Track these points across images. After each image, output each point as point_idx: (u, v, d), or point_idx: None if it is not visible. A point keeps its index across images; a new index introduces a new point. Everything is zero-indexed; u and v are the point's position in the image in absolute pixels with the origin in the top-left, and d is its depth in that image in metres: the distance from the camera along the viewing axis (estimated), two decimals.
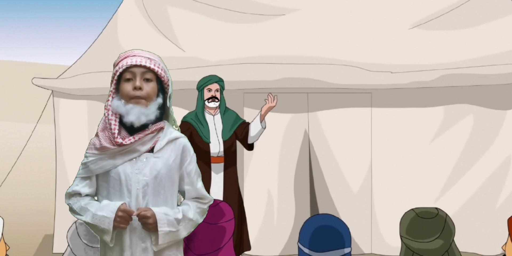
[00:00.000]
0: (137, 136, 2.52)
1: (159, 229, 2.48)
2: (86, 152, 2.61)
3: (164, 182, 2.56)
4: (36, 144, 7.22)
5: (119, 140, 2.50)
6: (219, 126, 4.73)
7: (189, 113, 4.80)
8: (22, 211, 7.45)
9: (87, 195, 2.62)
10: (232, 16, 6.04)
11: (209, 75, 4.79)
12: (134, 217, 2.51)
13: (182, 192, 2.67)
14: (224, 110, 4.78)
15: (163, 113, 2.63)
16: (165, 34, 6.01)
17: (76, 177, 2.64)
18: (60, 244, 5.49)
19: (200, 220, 2.65)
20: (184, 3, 6.20)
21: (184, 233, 2.58)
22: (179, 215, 2.54)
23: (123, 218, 2.46)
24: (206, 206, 2.67)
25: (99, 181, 2.61)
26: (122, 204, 2.49)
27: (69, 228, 3.16)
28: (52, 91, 5.75)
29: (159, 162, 2.56)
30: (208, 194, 2.69)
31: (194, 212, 2.60)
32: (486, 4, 5.88)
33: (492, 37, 5.62)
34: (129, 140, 2.51)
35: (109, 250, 2.58)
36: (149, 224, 2.48)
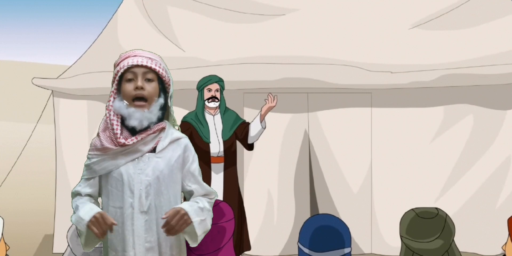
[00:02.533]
0: (139, 136, 2.52)
1: (192, 220, 2.47)
2: (88, 153, 2.60)
3: (166, 182, 2.57)
4: (36, 144, 7.23)
5: (122, 140, 2.50)
6: (219, 126, 4.73)
7: (189, 113, 4.80)
8: (22, 211, 7.45)
9: (87, 195, 2.62)
10: (232, 16, 6.04)
11: (209, 75, 4.79)
12: (137, 216, 2.50)
13: (187, 192, 2.67)
14: (224, 110, 4.78)
15: (164, 113, 2.63)
16: (165, 34, 6.01)
17: (81, 178, 2.64)
18: (60, 244, 5.49)
19: (212, 214, 2.66)
20: (184, 3, 6.21)
21: (209, 223, 2.58)
22: (200, 204, 2.56)
23: (96, 220, 2.41)
24: (213, 201, 2.71)
25: (102, 182, 2.60)
26: (98, 211, 2.45)
27: (69, 228, 3.16)
28: (52, 91, 5.75)
29: (161, 162, 2.56)
30: (212, 189, 2.73)
31: (208, 204, 2.62)
32: (486, 4, 5.89)
33: (492, 37, 5.63)
34: (131, 140, 2.51)
35: (111, 250, 2.58)
36: (187, 220, 2.45)
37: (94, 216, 2.42)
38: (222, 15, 6.06)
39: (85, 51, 6.10)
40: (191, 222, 2.47)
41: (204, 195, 2.67)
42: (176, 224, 2.44)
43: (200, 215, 2.52)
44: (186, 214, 2.46)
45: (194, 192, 2.65)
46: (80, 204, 2.56)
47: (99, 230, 2.41)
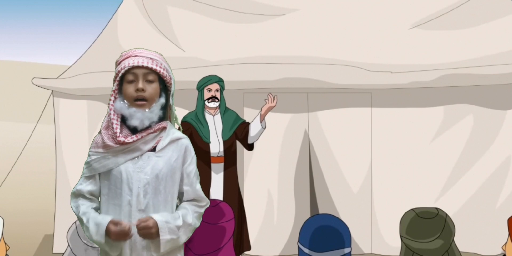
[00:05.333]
0: (139, 135, 2.53)
1: (161, 237, 2.48)
2: (89, 151, 2.61)
3: (165, 181, 2.57)
4: (36, 144, 7.23)
5: (121, 139, 2.51)
6: (219, 126, 4.73)
7: (189, 113, 4.80)
8: (22, 211, 7.46)
9: (91, 195, 2.61)
10: (232, 16, 6.04)
11: (209, 75, 4.79)
12: (135, 214, 2.50)
13: (180, 193, 2.66)
14: (224, 110, 4.78)
15: (166, 113, 2.64)
16: (165, 34, 6.01)
17: (81, 177, 2.64)
18: (60, 244, 5.49)
19: (198, 225, 2.65)
20: (184, 3, 6.21)
21: (183, 238, 2.58)
22: (179, 222, 2.54)
23: (119, 234, 2.47)
24: (203, 210, 2.68)
25: (101, 179, 2.61)
26: (110, 221, 2.48)
27: (69, 228, 3.17)
28: (52, 91, 5.75)
29: (160, 161, 2.56)
30: (205, 196, 2.70)
31: (192, 217, 2.60)
32: (486, 4, 5.89)
33: (492, 37, 5.63)
34: (131, 138, 2.52)
35: (109, 253, 2.58)
36: (151, 234, 2.48)
37: (113, 232, 2.47)
38: (222, 15, 6.06)
39: (85, 51, 6.10)
40: (157, 238, 2.49)
41: (194, 200, 2.65)
42: (140, 234, 2.49)
43: (174, 234, 2.52)
44: (155, 233, 2.48)
45: (185, 194, 2.64)
46: (83, 214, 2.56)
47: (125, 238, 2.49)
